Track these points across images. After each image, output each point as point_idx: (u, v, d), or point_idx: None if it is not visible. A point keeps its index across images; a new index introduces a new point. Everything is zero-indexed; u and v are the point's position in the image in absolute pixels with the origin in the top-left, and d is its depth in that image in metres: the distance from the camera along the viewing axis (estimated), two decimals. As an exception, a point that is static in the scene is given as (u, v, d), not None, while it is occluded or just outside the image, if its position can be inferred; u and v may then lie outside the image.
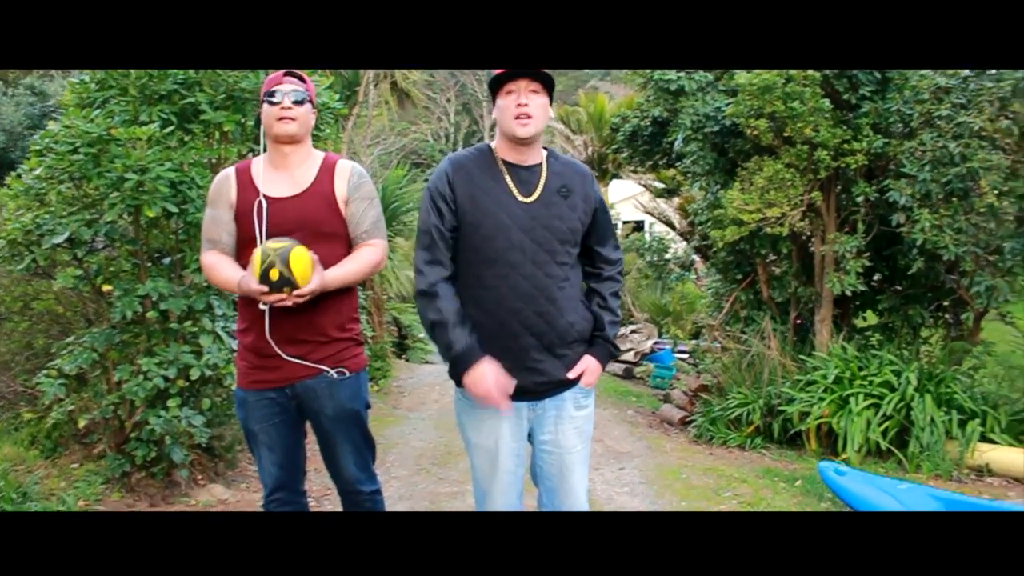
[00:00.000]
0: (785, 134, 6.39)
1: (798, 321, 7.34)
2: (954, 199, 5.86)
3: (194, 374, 4.19)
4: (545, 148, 2.79)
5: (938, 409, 5.69)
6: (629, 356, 11.70)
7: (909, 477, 5.35)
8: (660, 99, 7.68)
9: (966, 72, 6.18)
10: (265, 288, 2.65)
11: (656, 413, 8.31)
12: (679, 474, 5.54)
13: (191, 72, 4.35)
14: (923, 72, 6.58)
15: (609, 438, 6.84)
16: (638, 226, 20.91)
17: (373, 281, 10.70)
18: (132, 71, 4.25)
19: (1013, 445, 5.59)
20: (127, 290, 4.16)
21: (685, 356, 10.64)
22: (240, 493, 4.77)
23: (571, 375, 2.70)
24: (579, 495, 2.76)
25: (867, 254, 6.46)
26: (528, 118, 2.60)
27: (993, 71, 5.89)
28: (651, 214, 14.05)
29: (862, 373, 6.10)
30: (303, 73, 2.94)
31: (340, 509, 3.16)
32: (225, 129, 4.41)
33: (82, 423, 4.37)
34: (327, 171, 2.92)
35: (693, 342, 9.83)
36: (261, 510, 3.04)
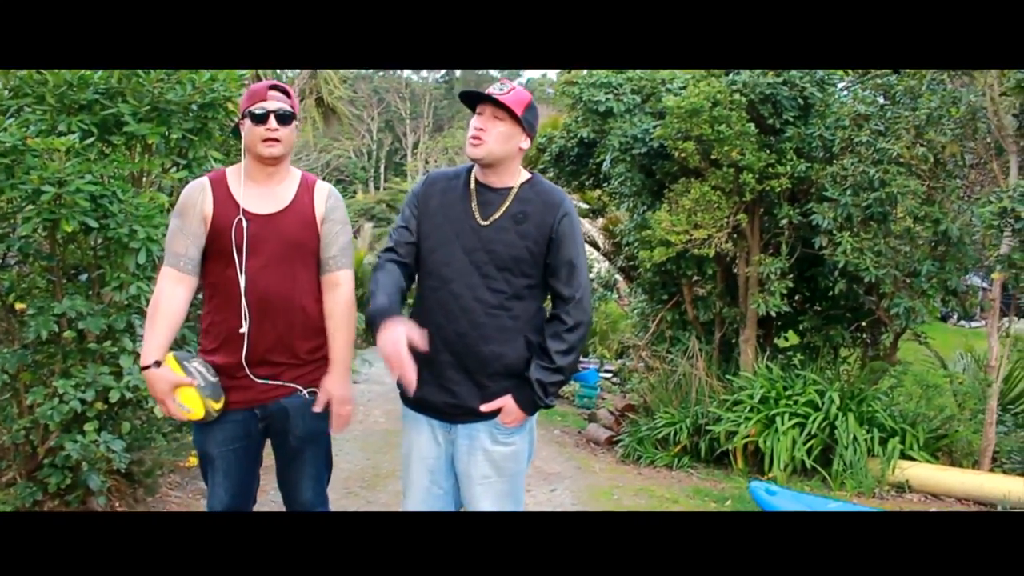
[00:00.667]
0: (712, 157, 6.50)
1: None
2: (873, 223, 6.04)
3: (113, 396, 3.99)
4: (532, 173, 2.77)
5: (860, 427, 5.83)
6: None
7: (833, 495, 5.45)
8: (589, 120, 7.73)
9: (882, 100, 6.39)
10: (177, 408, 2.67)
11: (582, 433, 8.31)
12: (610, 495, 5.53)
13: (113, 82, 4.18)
14: (843, 99, 6.80)
15: (538, 459, 6.79)
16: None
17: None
18: (50, 79, 4.06)
19: (931, 462, 5.76)
20: (42, 308, 3.95)
21: (609, 375, 10.72)
22: (160, 520, 4.57)
23: (484, 408, 2.62)
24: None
25: (791, 276, 6.59)
26: (479, 140, 2.60)
27: (909, 100, 6.10)
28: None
29: (787, 393, 6.21)
30: (287, 86, 2.84)
31: None
32: (149, 142, 4.24)
33: (-10, 449, 4.14)
34: (306, 190, 2.86)
35: (619, 362, 9.89)
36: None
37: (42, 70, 4.08)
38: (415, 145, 35.48)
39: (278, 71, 13.21)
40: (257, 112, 2.72)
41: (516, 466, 2.70)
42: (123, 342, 4.13)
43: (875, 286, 6.08)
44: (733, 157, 6.37)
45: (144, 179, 4.55)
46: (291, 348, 2.79)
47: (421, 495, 2.72)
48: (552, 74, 43.49)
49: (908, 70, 6.18)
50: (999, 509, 5.15)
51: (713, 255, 6.69)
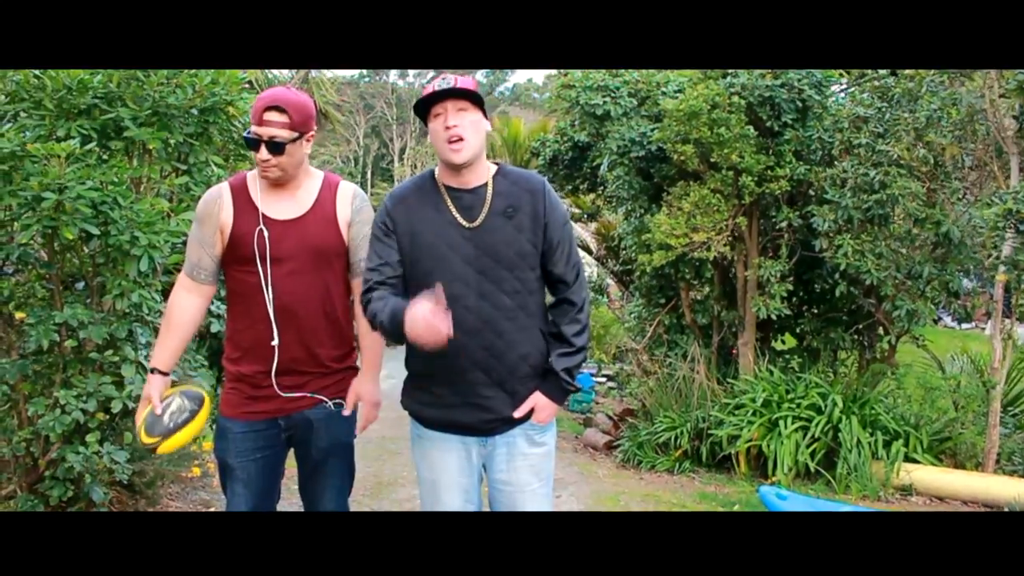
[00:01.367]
0: (711, 160, 6.48)
1: (733, 351, 7.39)
2: (874, 225, 6.03)
3: (115, 406, 3.91)
4: (496, 163, 2.66)
5: (863, 430, 5.81)
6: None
7: (838, 498, 5.42)
8: (585, 123, 7.70)
9: (880, 103, 6.39)
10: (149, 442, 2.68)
11: (579, 438, 8.26)
12: (617, 501, 5.49)
13: (113, 86, 4.10)
14: (840, 102, 6.80)
15: (538, 464, 6.75)
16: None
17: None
18: (48, 83, 3.99)
19: (935, 464, 5.74)
20: (42, 317, 3.87)
21: (604, 380, 10.69)
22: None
23: (517, 414, 2.56)
24: None
25: (790, 278, 6.57)
26: (460, 141, 2.46)
27: (908, 102, 6.10)
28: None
29: (789, 396, 6.19)
30: (291, 100, 2.67)
31: None
32: (149, 147, 4.17)
33: (-11, 462, 4.05)
34: (329, 191, 2.79)
35: (617, 366, 9.86)
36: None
37: (39, 74, 4.01)
38: (402, 151, 35.41)
39: (270, 76, 13.17)
40: (250, 138, 2.65)
41: (551, 466, 2.69)
42: (124, 351, 4.05)
43: (874, 288, 6.07)
44: (732, 160, 6.35)
45: (143, 185, 4.47)
46: (317, 357, 2.74)
47: None
48: (538, 79, 43.50)
49: (906, 72, 6.19)
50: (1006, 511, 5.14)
51: (712, 258, 6.66)
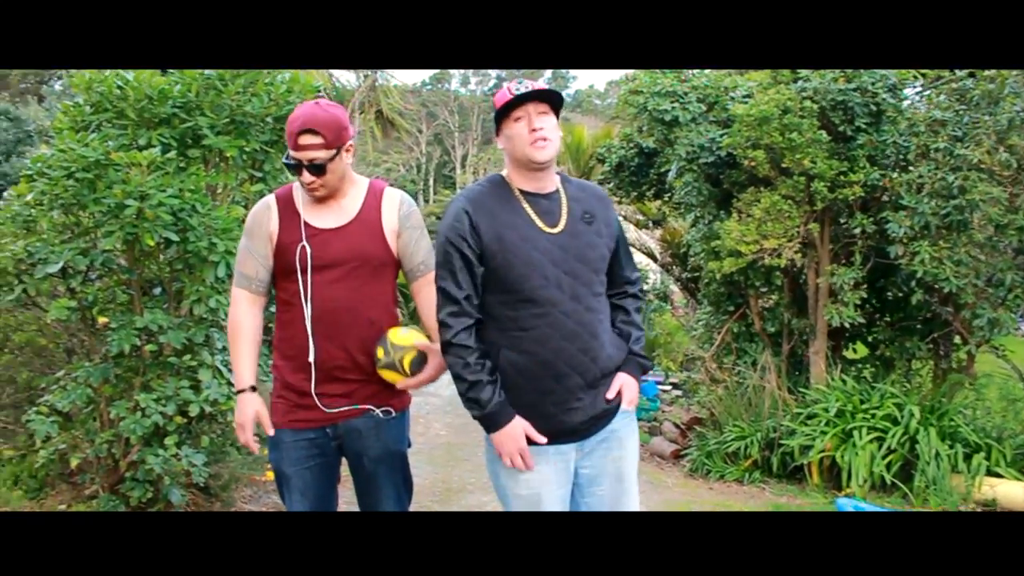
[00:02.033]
0: (782, 165, 6.37)
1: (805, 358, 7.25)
2: (952, 231, 5.86)
3: (193, 410, 4.00)
4: (556, 173, 2.65)
5: (942, 443, 5.63)
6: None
7: (917, 512, 5.27)
8: (653, 129, 7.63)
9: (959, 106, 6.21)
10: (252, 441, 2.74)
11: (646, 446, 8.17)
12: (688, 510, 5.41)
13: (191, 95, 4.20)
14: (916, 104, 6.63)
15: (605, 473, 6.70)
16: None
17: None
18: (130, 93, 4.09)
19: (1019, 479, 5.55)
20: (123, 322, 3.97)
21: (668, 388, 10.57)
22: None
23: (609, 395, 2.54)
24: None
25: (864, 286, 6.43)
26: (545, 140, 2.45)
27: (988, 104, 5.93)
28: (632, 245, 14.03)
29: (863, 406, 6.03)
30: (321, 118, 2.63)
31: None
32: (226, 155, 4.26)
33: (74, 462, 4.15)
34: (374, 198, 2.79)
35: (684, 374, 9.76)
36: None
37: (122, 85, 4.12)
38: (464, 158, 35.64)
39: (338, 85, 13.37)
40: (291, 163, 2.66)
41: (637, 454, 2.72)
42: (202, 355, 4.14)
43: (952, 296, 5.90)
44: (804, 165, 6.23)
45: (220, 192, 4.56)
46: (362, 365, 2.71)
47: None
48: (599, 85, 43.35)
49: (986, 73, 6.01)
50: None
51: (782, 265, 6.54)
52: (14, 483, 4.63)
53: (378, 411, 2.74)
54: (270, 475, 5.01)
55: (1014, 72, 5.80)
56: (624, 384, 2.58)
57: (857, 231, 6.39)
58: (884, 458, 5.71)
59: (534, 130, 2.44)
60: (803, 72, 6.45)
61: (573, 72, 60.04)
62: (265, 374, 4.74)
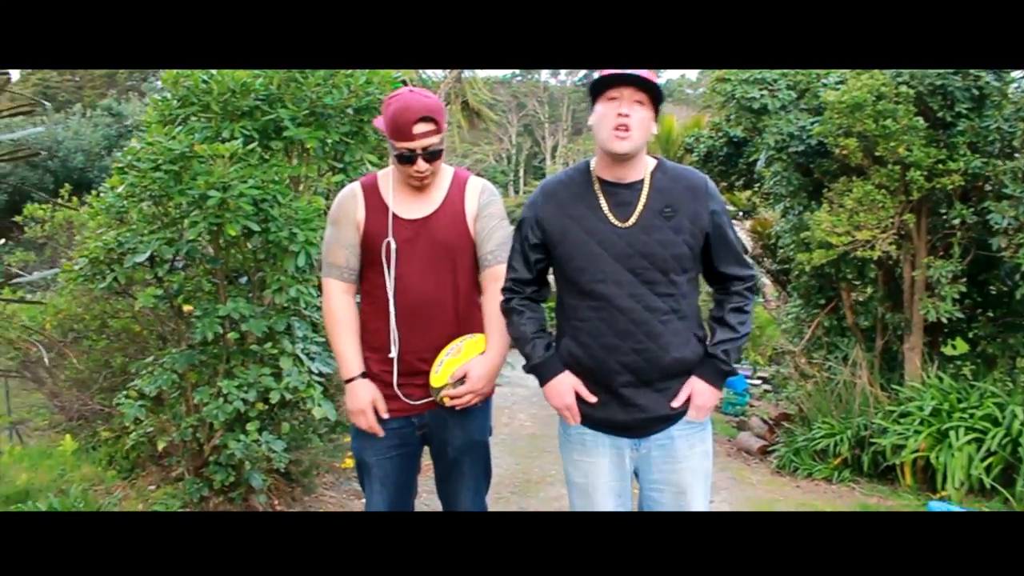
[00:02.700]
0: (876, 154, 6.13)
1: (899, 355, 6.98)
2: (1061, 222, 5.55)
3: (274, 397, 4.06)
4: (656, 158, 2.56)
5: (1048, 446, 5.34)
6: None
7: (1017, 517, 5.02)
8: (741, 118, 7.45)
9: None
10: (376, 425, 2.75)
11: (733, 441, 8.02)
12: (772, 508, 5.28)
13: (273, 88, 4.27)
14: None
15: (689, 468, 6.59)
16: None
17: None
18: (214, 87, 4.18)
19: None
20: (207, 310, 4.07)
21: (758, 382, 10.35)
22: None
23: (675, 404, 2.47)
24: None
25: (963, 279, 6.15)
26: (626, 130, 2.36)
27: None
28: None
29: (961, 405, 5.77)
30: (435, 106, 2.66)
31: None
32: (307, 146, 4.31)
33: (161, 445, 4.28)
34: (458, 188, 2.78)
35: (773, 368, 9.53)
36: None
37: (207, 79, 4.21)
38: (554, 149, 35.59)
39: (424, 76, 13.47)
40: (404, 154, 2.63)
41: (709, 464, 2.60)
42: (283, 344, 4.20)
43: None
44: (899, 153, 5.98)
45: (302, 183, 4.63)
46: None
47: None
48: (691, 74, 42.70)
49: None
50: None
51: (876, 257, 6.30)
52: (108, 463, 4.81)
53: None
54: (349, 463, 5.09)
55: None
56: (694, 391, 2.48)
57: (956, 222, 6.11)
58: (983, 460, 5.45)
59: (620, 115, 2.37)
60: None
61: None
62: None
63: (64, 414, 5.59)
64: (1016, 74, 6.81)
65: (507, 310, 2.60)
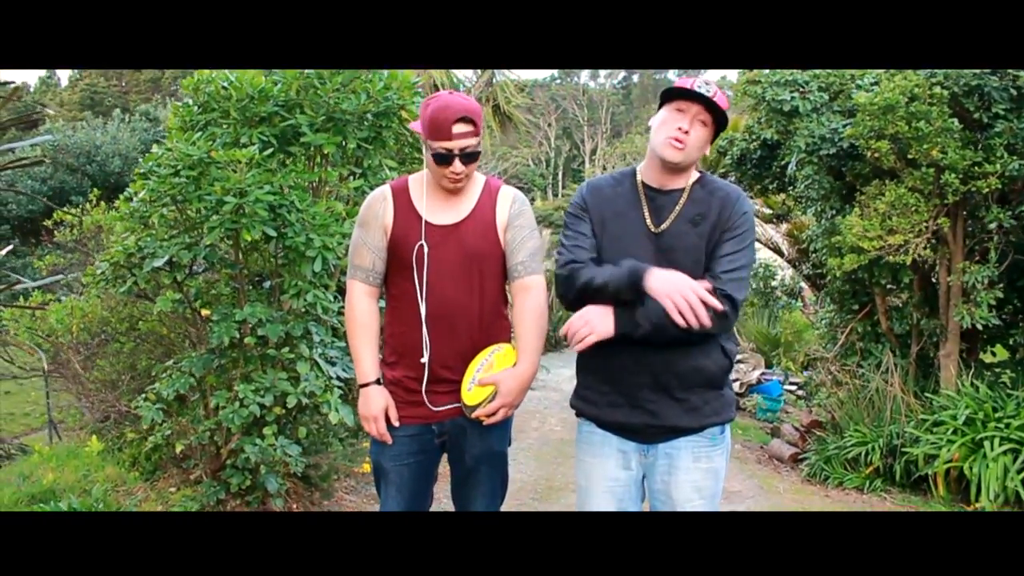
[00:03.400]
0: (909, 156, 5.99)
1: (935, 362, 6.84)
2: (1101, 226, 5.38)
3: (291, 402, 4.09)
4: (700, 171, 2.56)
5: (1087, 457, 5.18)
6: (735, 387, 11.27)
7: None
8: (772, 120, 7.33)
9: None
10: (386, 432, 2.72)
11: (764, 448, 7.90)
12: (794, 519, 5.18)
13: (292, 93, 4.28)
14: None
15: (716, 475, 6.50)
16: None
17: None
18: (233, 93, 4.21)
19: None
20: (225, 315, 4.10)
21: (794, 388, 10.20)
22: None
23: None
24: None
25: (1000, 285, 5.99)
26: (681, 144, 2.39)
27: None
28: (758, 240, 13.62)
29: (997, 415, 5.62)
30: (474, 108, 2.65)
31: None
32: (325, 151, 4.33)
33: (179, 448, 4.32)
34: (489, 196, 2.77)
35: (805, 374, 9.38)
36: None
37: (227, 85, 4.24)
38: (593, 152, 35.48)
39: (455, 81, 13.49)
40: (442, 153, 2.62)
41: (716, 485, 2.54)
42: (300, 348, 4.22)
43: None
44: (933, 156, 5.84)
45: (322, 189, 4.64)
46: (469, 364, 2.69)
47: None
48: (732, 76, 42.36)
49: None
50: None
51: (910, 262, 6.16)
52: (132, 464, 4.87)
53: None
54: (368, 467, 5.10)
55: None
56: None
57: (993, 226, 5.95)
58: (1020, 472, 5.30)
59: (680, 128, 2.39)
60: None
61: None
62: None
63: (92, 415, 5.66)
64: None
65: (564, 276, 2.47)
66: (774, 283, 11.06)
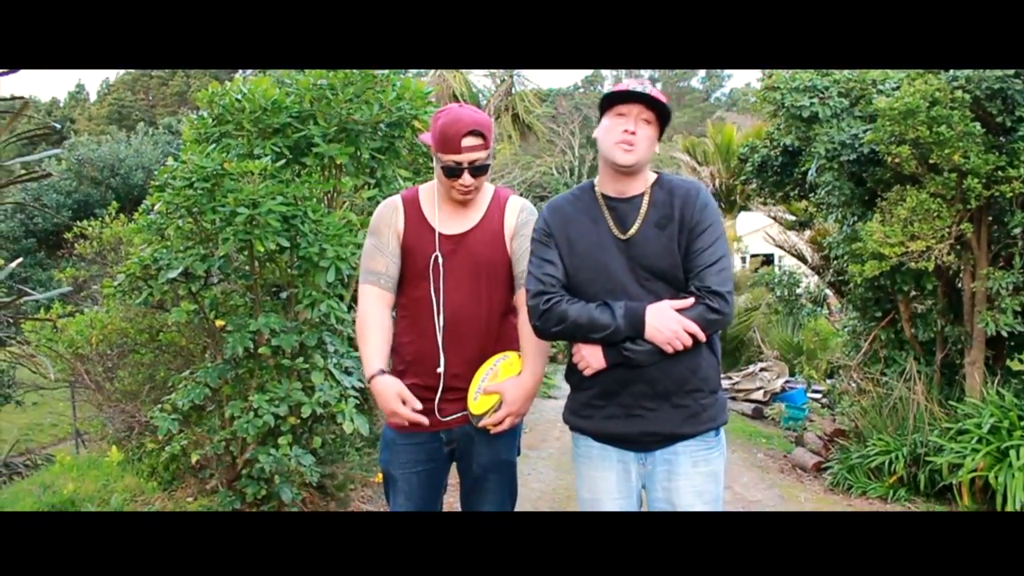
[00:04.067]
0: (930, 161, 5.92)
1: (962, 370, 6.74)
2: None
3: (305, 411, 4.09)
4: (657, 172, 2.55)
5: (1115, 466, 5.07)
6: (759, 395, 11.18)
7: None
8: (792, 126, 7.27)
9: None
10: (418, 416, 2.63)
11: (788, 457, 7.83)
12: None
13: (305, 104, 4.31)
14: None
15: (738, 484, 6.44)
16: (767, 260, 20.23)
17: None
18: (247, 105, 4.23)
19: None
20: (239, 325, 4.12)
21: (818, 396, 10.10)
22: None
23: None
24: None
25: (1025, 291, 5.89)
26: (631, 146, 2.38)
27: None
28: (781, 247, 13.49)
29: (1022, 423, 5.52)
30: (484, 121, 2.65)
31: None
32: (338, 162, 4.34)
33: (195, 458, 4.34)
34: (497, 205, 2.78)
35: (829, 382, 9.28)
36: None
37: (240, 98, 4.27)
38: (616, 160, 35.17)
39: (474, 91, 13.52)
40: (451, 167, 2.63)
41: (716, 489, 2.52)
42: (315, 359, 4.22)
43: None
44: (955, 161, 5.76)
45: (336, 199, 4.66)
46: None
47: None
48: (756, 81, 42.14)
49: None
50: None
51: (933, 268, 6.08)
52: (150, 474, 4.90)
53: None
54: (379, 477, 5.10)
55: None
56: None
57: (1017, 231, 5.86)
58: (1046, 481, 5.20)
59: (626, 131, 2.39)
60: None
61: (728, 71, 58.61)
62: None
63: (114, 425, 5.71)
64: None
65: (546, 301, 2.43)
66: (798, 291, 10.96)
